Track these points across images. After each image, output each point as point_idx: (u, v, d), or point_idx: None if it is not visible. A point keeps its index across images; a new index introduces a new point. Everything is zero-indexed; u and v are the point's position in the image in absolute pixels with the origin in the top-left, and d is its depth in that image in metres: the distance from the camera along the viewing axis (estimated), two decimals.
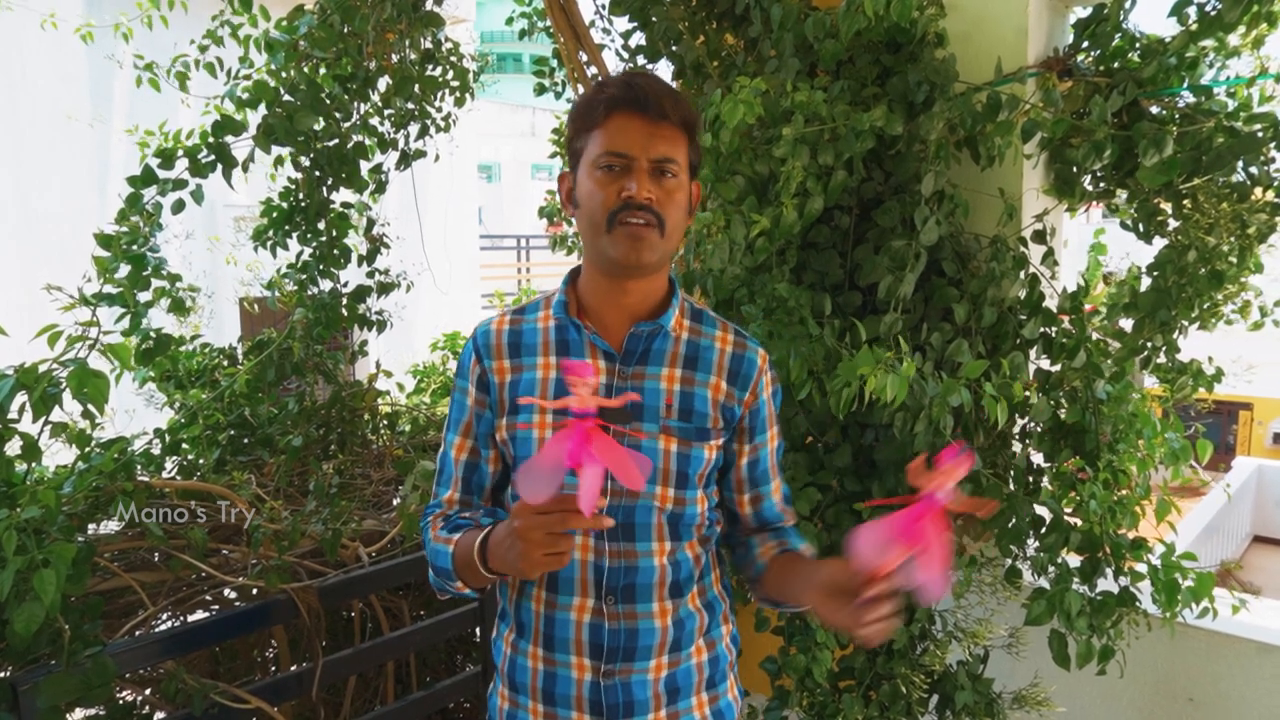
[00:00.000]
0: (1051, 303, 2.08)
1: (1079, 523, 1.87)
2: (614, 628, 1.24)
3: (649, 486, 1.24)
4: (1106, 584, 1.88)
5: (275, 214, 2.55)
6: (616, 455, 0.97)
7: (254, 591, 1.94)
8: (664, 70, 2.55)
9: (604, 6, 2.91)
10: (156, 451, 2.31)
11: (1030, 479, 2.05)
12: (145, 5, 2.56)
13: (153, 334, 2.10)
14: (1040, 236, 2.11)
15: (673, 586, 1.26)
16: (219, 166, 2.23)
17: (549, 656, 1.26)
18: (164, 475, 2.30)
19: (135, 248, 1.98)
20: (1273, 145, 1.93)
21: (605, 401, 0.98)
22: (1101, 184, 2.25)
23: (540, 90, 3.59)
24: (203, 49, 2.47)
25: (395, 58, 2.66)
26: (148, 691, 1.96)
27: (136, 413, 2.60)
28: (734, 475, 1.36)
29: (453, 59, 2.88)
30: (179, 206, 2.20)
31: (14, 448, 1.61)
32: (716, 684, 1.33)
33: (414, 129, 2.83)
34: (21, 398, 1.52)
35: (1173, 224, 2.18)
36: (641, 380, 1.25)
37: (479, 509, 1.34)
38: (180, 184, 2.19)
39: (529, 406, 1.25)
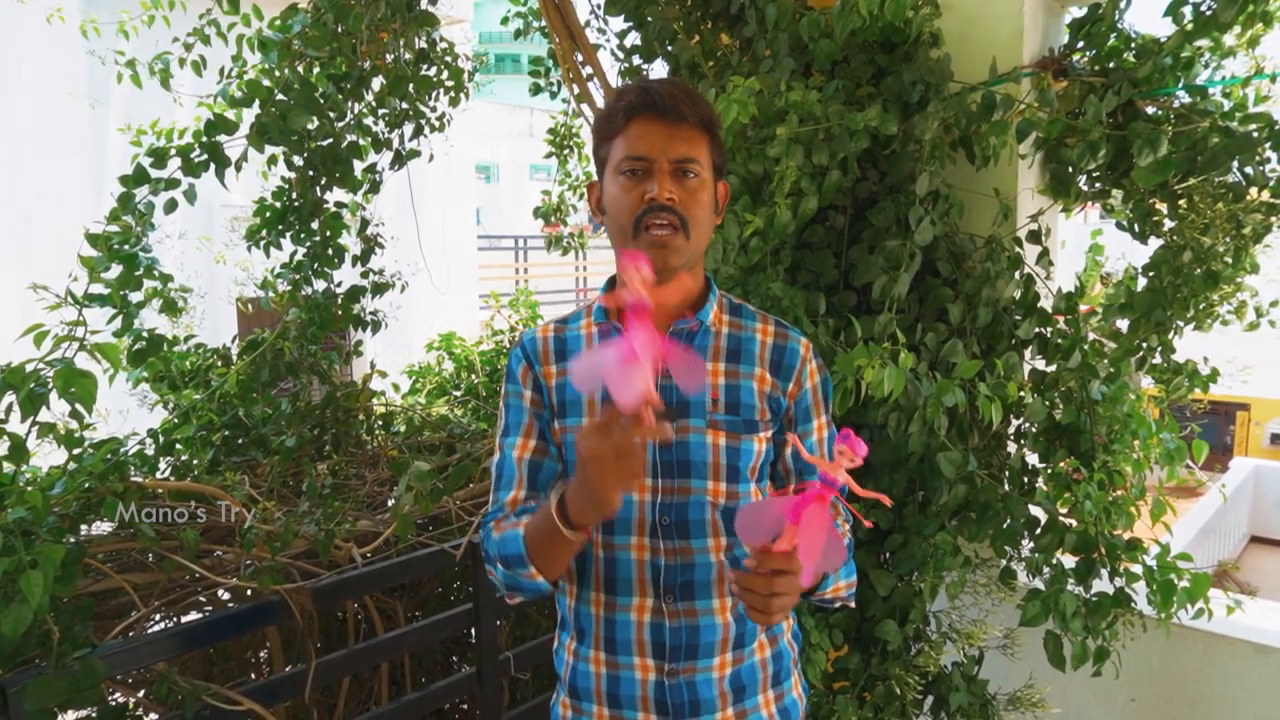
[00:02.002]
0: (1046, 303, 2.07)
1: (1074, 523, 1.87)
2: (675, 626, 1.24)
3: (700, 482, 1.24)
4: (1102, 585, 1.88)
5: (269, 213, 2.55)
6: (671, 352, 0.96)
7: (247, 593, 1.94)
8: (659, 71, 2.55)
9: (599, 6, 2.91)
10: (150, 452, 2.30)
11: (1025, 479, 2.04)
12: (148, 4, 2.55)
13: (145, 335, 2.09)
14: (1035, 236, 2.11)
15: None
16: (212, 166, 2.22)
17: (611, 659, 1.26)
18: (157, 476, 2.29)
19: (127, 247, 1.97)
20: (1268, 145, 1.93)
21: (658, 292, 0.98)
22: (1097, 184, 2.24)
23: (536, 90, 3.59)
24: (188, 46, 2.46)
25: (389, 57, 2.65)
26: (140, 693, 1.95)
27: (129, 413, 2.59)
28: (780, 465, 1.35)
29: (447, 59, 2.87)
30: (171, 206, 2.19)
31: (2, 448, 1.60)
32: (781, 681, 1.33)
33: (408, 129, 2.83)
34: (9, 398, 1.51)
35: (1168, 224, 2.18)
36: None
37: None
38: (173, 183, 2.18)
39: (577, 410, 1.26)
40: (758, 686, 1.29)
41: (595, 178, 1.31)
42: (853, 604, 1.40)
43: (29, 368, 1.52)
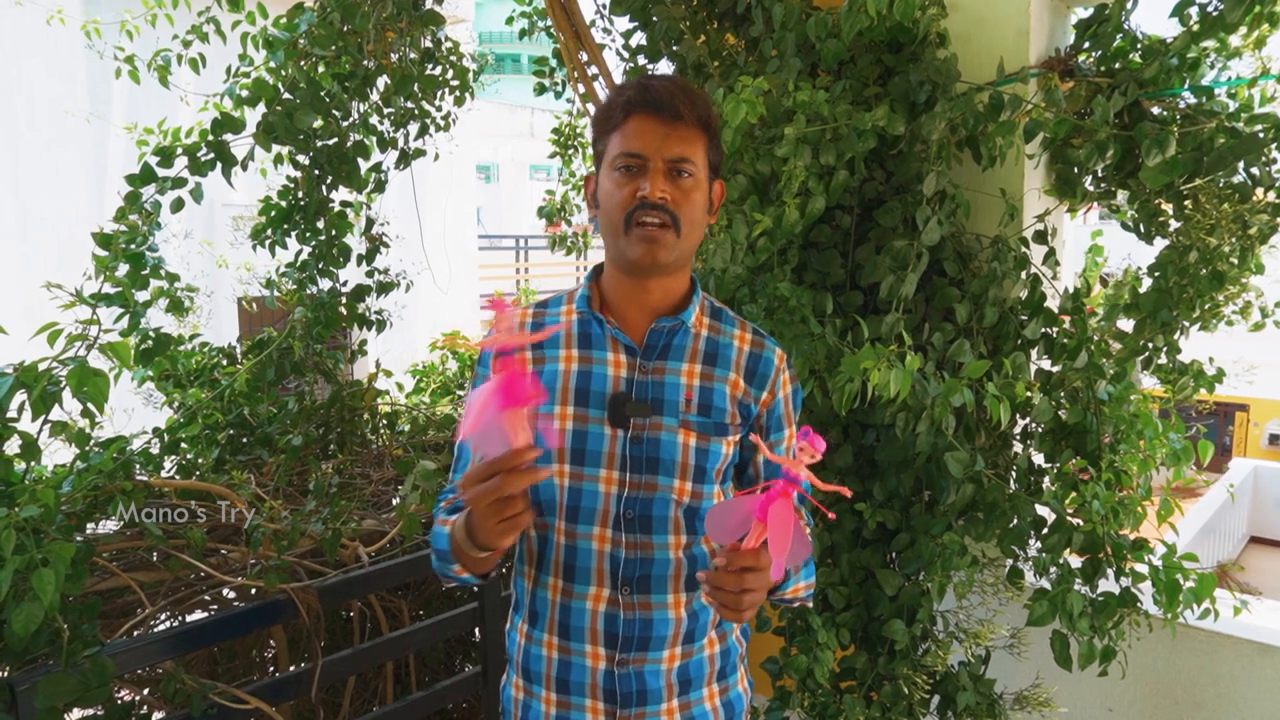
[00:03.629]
0: (1053, 303, 2.07)
1: (1081, 523, 1.87)
2: (629, 618, 1.25)
3: (667, 479, 1.25)
4: (1108, 585, 1.88)
5: (274, 213, 2.54)
6: (518, 388, 0.95)
7: (253, 591, 1.94)
8: (664, 70, 2.55)
9: (605, 6, 2.91)
10: (155, 451, 2.30)
11: (1032, 479, 2.05)
12: (151, 3, 2.55)
13: (151, 333, 2.09)
14: (1041, 237, 2.11)
15: (688, 579, 1.28)
16: (218, 165, 2.22)
17: (564, 645, 1.27)
18: (163, 475, 2.29)
19: (134, 247, 1.97)
20: (1274, 146, 1.93)
21: (512, 339, 0.98)
22: (1102, 184, 2.25)
23: (540, 90, 3.58)
24: (186, 44, 2.46)
25: (395, 56, 2.65)
26: (146, 692, 1.95)
27: (135, 412, 2.59)
28: (751, 471, 1.37)
29: (452, 58, 2.87)
30: (178, 205, 2.19)
31: (13, 447, 1.60)
32: (727, 675, 1.35)
33: (413, 128, 2.82)
34: (21, 396, 1.51)
35: (1174, 225, 2.18)
36: (662, 375, 1.27)
37: None
38: (179, 182, 2.18)
39: (550, 400, 1.26)
40: (704, 680, 1.32)
41: (594, 171, 1.31)
42: (810, 604, 1.40)
43: (41, 367, 1.52)
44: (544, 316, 1.32)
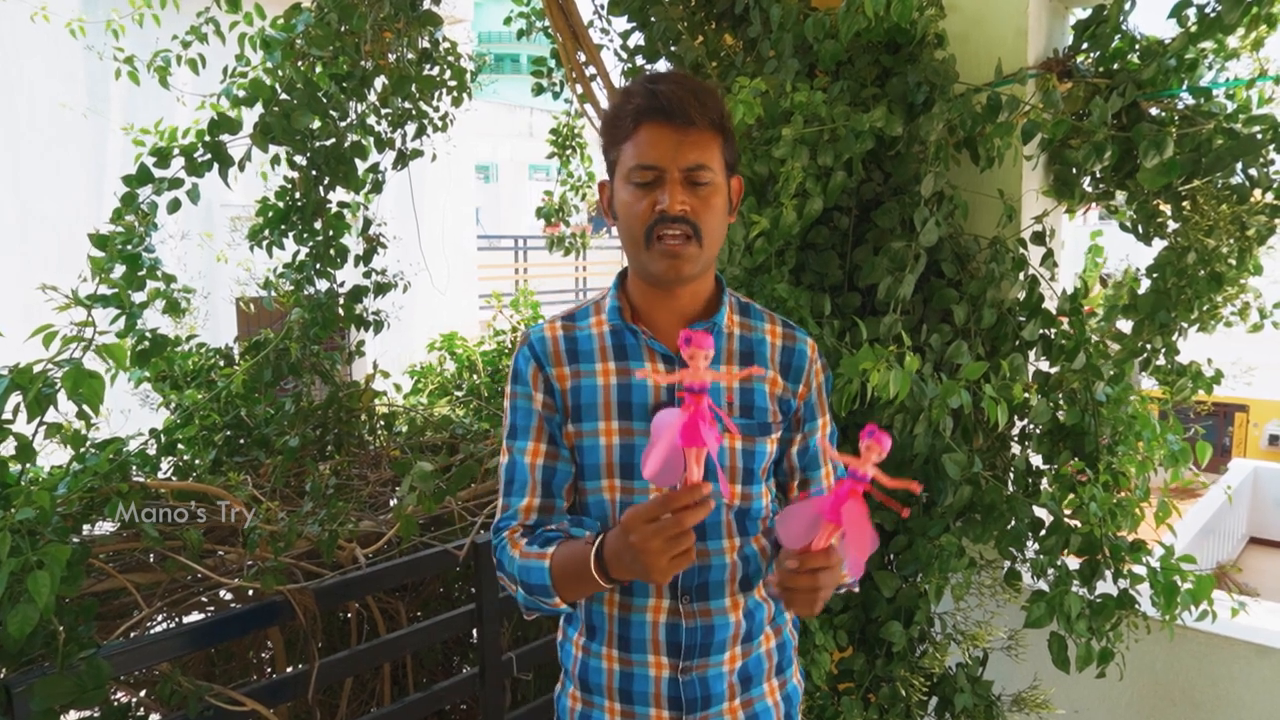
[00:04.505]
0: (1051, 304, 2.07)
1: (1078, 525, 1.87)
2: (690, 626, 1.26)
3: (716, 484, 1.24)
4: (1106, 586, 1.88)
5: (271, 213, 2.54)
6: (699, 429, 0.96)
7: (250, 593, 1.93)
8: (663, 70, 2.54)
9: (603, 7, 2.90)
10: (152, 452, 2.29)
11: (1030, 481, 2.04)
12: (139, 2, 2.55)
13: (148, 335, 2.08)
14: (1039, 238, 2.11)
15: (743, 580, 1.29)
16: (215, 165, 2.22)
17: (625, 657, 1.27)
18: (160, 476, 2.28)
19: (130, 248, 1.97)
20: (1272, 147, 1.93)
21: (718, 376, 0.98)
22: (1101, 185, 2.24)
23: (538, 90, 3.58)
24: (185, 45, 2.46)
25: (392, 57, 2.65)
26: (143, 694, 1.95)
27: (132, 413, 2.59)
28: (785, 463, 1.37)
29: (450, 58, 2.87)
30: (174, 206, 2.18)
31: (8, 448, 1.59)
32: (784, 669, 1.36)
33: (411, 129, 2.82)
34: (16, 398, 1.50)
35: (1172, 226, 2.18)
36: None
37: (561, 514, 1.30)
38: (176, 183, 2.18)
39: (593, 414, 1.25)
40: (763, 676, 1.32)
41: (605, 177, 1.30)
42: (856, 589, 1.40)
43: (36, 368, 1.52)
44: (575, 330, 1.30)
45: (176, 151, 2.19)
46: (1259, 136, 1.92)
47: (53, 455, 1.88)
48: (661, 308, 1.27)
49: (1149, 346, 2.17)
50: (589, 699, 1.31)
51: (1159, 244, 2.21)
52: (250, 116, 2.31)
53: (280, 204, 2.54)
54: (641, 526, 1.01)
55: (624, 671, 1.27)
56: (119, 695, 1.94)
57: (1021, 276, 2.05)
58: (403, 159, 2.82)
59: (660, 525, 1.00)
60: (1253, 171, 2.04)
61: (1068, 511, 1.90)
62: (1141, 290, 2.22)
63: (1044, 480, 2.03)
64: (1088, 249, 2.64)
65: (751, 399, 1.28)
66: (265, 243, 2.55)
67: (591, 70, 2.77)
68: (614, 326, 1.29)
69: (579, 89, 2.83)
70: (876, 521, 2.02)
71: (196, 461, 2.32)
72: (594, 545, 1.13)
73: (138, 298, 2.01)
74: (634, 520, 1.02)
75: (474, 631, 2.31)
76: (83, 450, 1.77)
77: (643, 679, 1.26)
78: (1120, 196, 2.24)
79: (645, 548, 1.01)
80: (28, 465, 1.64)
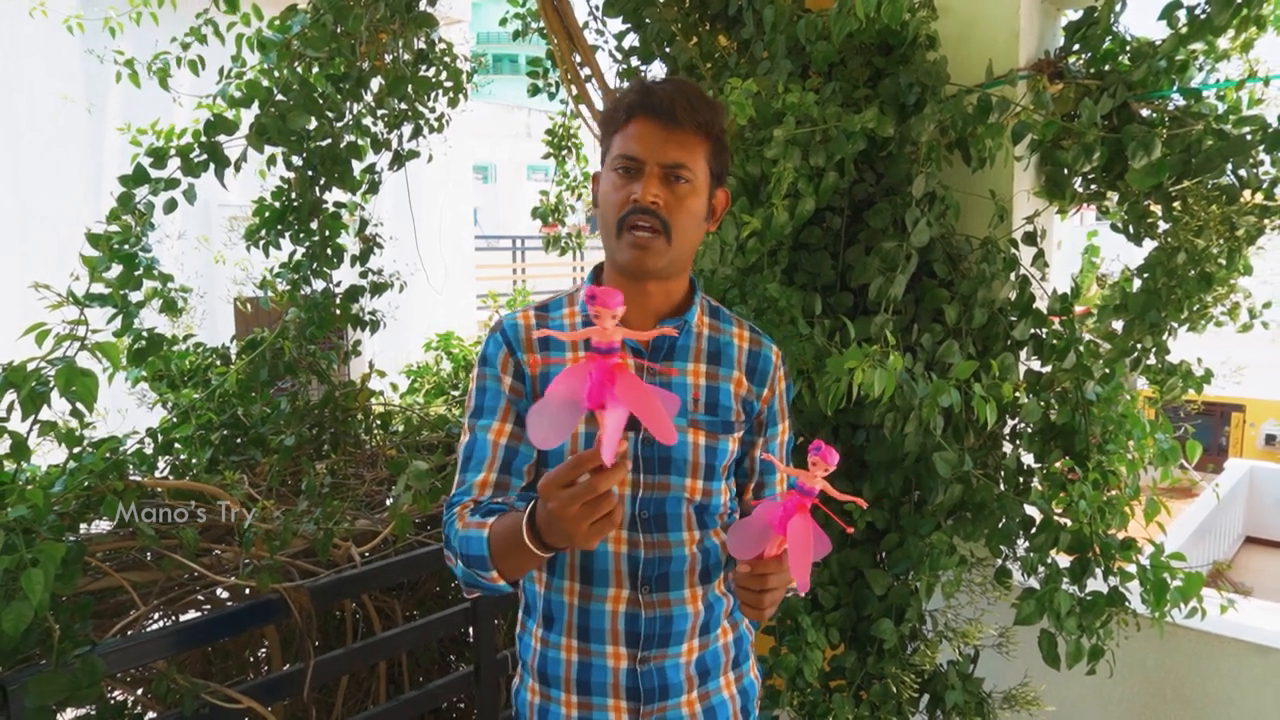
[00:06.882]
0: (1042, 304, 2.08)
1: (1069, 523, 1.88)
2: (649, 616, 1.27)
3: (679, 479, 1.27)
4: (1096, 584, 1.89)
5: (268, 213, 2.55)
6: (642, 396, 0.87)
7: (246, 591, 1.94)
8: (657, 72, 2.56)
9: (598, 8, 2.91)
10: (148, 451, 2.30)
11: (1020, 479, 2.05)
12: (137, 1, 2.56)
13: (145, 334, 2.09)
14: (1031, 238, 2.12)
15: (702, 573, 1.31)
16: (211, 166, 2.23)
17: (584, 647, 1.28)
18: (156, 475, 2.29)
19: (126, 247, 1.98)
20: (1261, 148, 1.94)
21: (632, 333, 0.90)
22: (1092, 186, 2.26)
23: (534, 91, 3.59)
24: (185, 46, 2.47)
25: (388, 58, 2.66)
26: (139, 691, 1.96)
27: (128, 412, 2.60)
28: (746, 464, 1.40)
29: (446, 59, 2.88)
30: (171, 206, 2.19)
31: (3, 446, 1.60)
32: (740, 663, 1.38)
33: (407, 129, 2.83)
34: (10, 396, 1.51)
35: (1162, 226, 2.19)
36: (670, 375, 1.29)
37: (517, 492, 1.28)
38: (173, 183, 2.18)
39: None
40: (720, 669, 1.34)
41: (600, 170, 1.33)
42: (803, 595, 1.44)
43: (30, 366, 1.53)
44: (546, 320, 1.32)
45: (173, 152, 2.20)
46: (1249, 137, 1.93)
47: (51, 454, 1.89)
48: (633, 304, 1.27)
49: (1139, 346, 2.18)
50: (546, 692, 1.31)
51: (1150, 244, 2.22)
52: (247, 117, 2.32)
53: (277, 204, 2.55)
54: (557, 492, 0.97)
55: (582, 662, 1.28)
56: (115, 693, 1.95)
57: (1013, 277, 2.06)
58: (399, 160, 2.83)
59: (574, 491, 0.97)
60: (1242, 172, 2.05)
61: (1058, 509, 1.91)
62: (1133, 290, 2.23)
63: (1035, 479, 2.04)
64: (1084, 249, 2.65)
65: (716, 397, 1.31)
66: (262, 243, 2.56)
67: (586, 71, 2.78)
68: (586, 318, 1.29)
69: (574, 90, 2.84)
70: (868, 520, 2.04)
71: (193, 461, 2.33)
72: (525, 512, 1.09)
73: (134, 297, 2.02)
74: (549, 486, 0.98)
75: (469, 630, 2.32)
76: (79, 449, 1.78)
77: (601, 669, 1.27)
78: (1112, 197, 2.26)
79: (563, 514, 0.98)
80: (23, 464, 1.65)
